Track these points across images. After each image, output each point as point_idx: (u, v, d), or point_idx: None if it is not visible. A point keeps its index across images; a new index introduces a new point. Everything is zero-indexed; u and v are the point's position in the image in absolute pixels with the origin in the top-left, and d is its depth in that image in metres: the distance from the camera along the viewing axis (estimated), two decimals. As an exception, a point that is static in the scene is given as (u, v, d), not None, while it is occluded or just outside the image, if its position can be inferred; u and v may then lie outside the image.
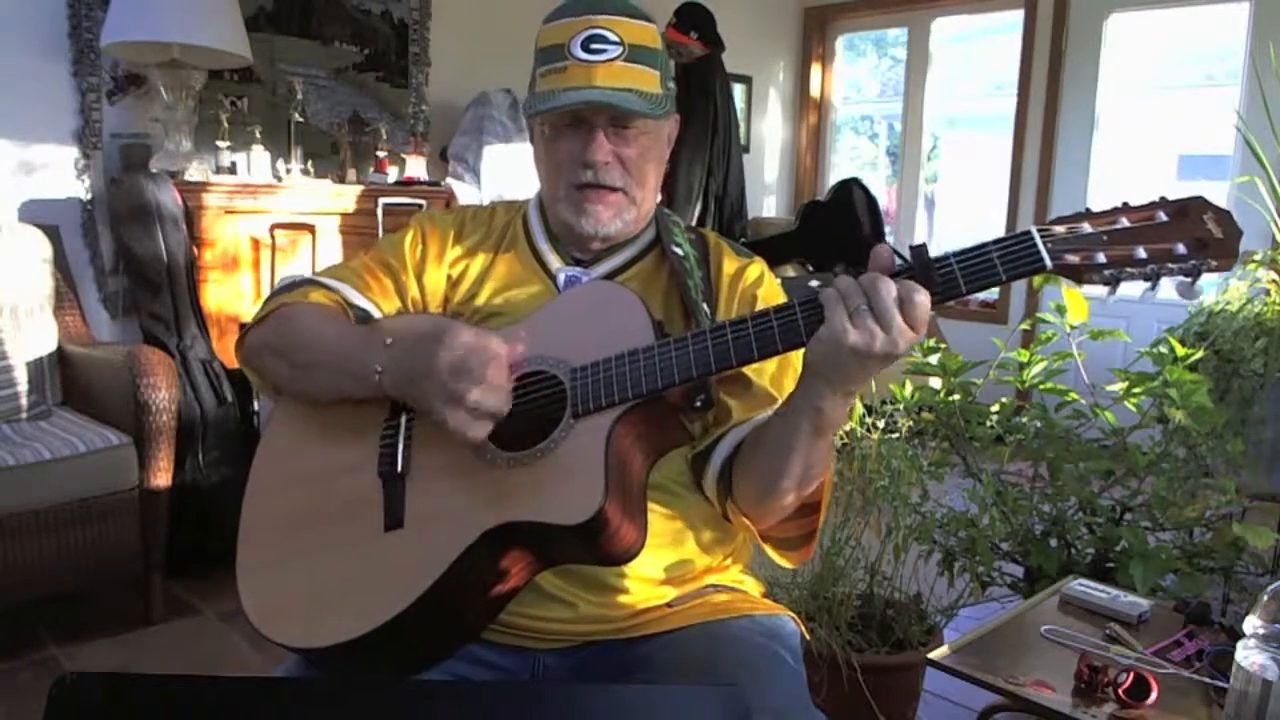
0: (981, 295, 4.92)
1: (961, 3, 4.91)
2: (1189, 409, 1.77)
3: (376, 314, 1.16)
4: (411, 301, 1.18)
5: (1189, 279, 0.84)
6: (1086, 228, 0.85)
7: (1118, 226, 0.85)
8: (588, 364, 0.97)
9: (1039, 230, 0.85)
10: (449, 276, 1.19)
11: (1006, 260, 0.85)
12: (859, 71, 5.70)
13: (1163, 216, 0.85)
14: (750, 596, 1.13)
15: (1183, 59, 4.44)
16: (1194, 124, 4.28)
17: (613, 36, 1.08)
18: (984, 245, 0.86)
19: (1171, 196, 0.86)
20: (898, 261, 0.89)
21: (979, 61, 5.38)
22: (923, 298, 0.84)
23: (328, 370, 1.05)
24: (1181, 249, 0.83)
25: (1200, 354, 1.97)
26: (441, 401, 0.92)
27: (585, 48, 1.07)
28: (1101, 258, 0.84)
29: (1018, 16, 4.58)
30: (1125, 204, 0.87)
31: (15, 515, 2.13)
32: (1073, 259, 0.84)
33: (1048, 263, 0.84)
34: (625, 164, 1.12)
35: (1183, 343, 1.96)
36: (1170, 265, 0.83)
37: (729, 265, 1.18)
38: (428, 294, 1.19)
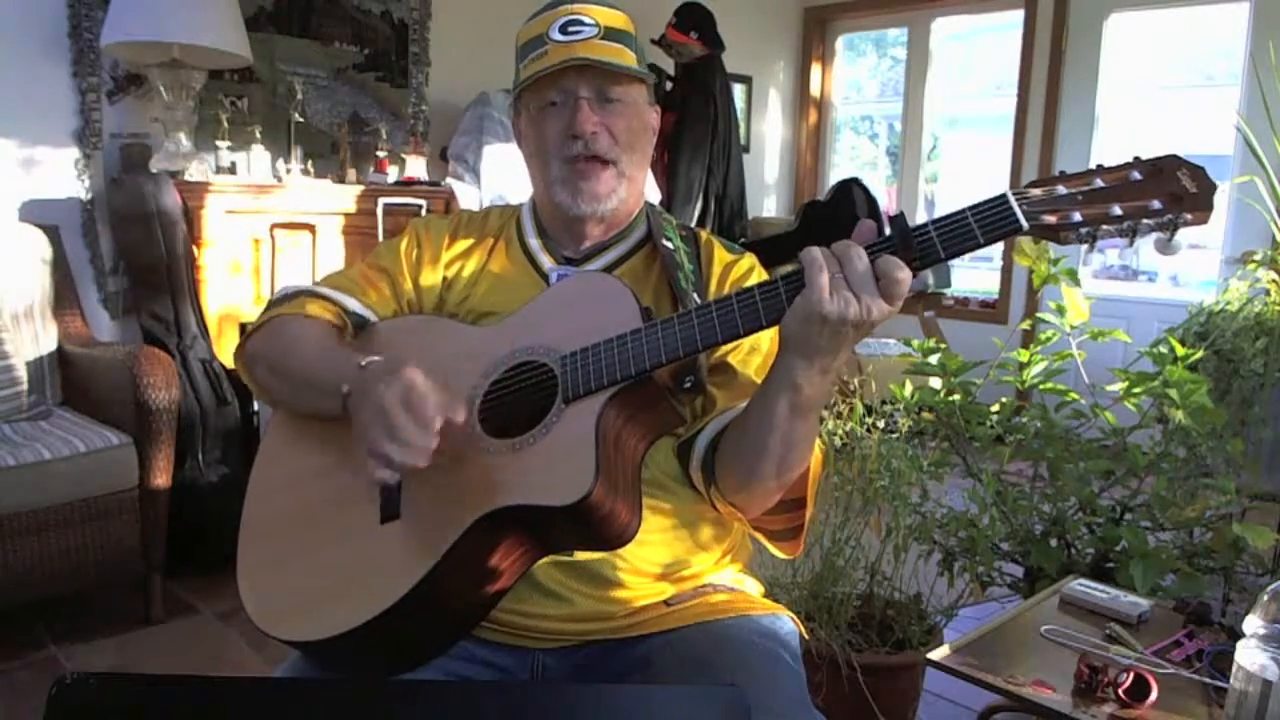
0: (981, 295, 4.92)
1: (961, 3, 4.91)
2: (1189, 409, 1.77)
3: (374, 319, 1.17)
4: (408, 304, 1.20)
5: (1166, 234, 0.85)
6: (1061, 189, 0.86)
7: (1093, 186, 0.86)
8: (577, 350, 0.98)
9: (1014, 193, 0.86)
10: (444, 278, 1.21)
11: (983, 223, 0.85)
12: (859, 71, 5.70)
13: (1137, 175, 0.86)
14: (749, 596, 1.13)
15: (1183, 59, 4.44)
16: (1194, 124, 4.28)
17: (588, 20, 1.13)
18: (960, 211, 0.87)
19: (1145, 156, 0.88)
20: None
21: (979, 61, 5.38)
22: (904, 275, 0.85)
23: (309, 386, 1.07)
24: (1157, 204, 0.84)
25: (1200, 354, 1.97)
26: (361, 437, 0.93)
27: (563, 30, 1.12)
28: (1077, 216, 0.85)
29: (1018, 16, 4.58)
30: (1100, 166, 0.88)
31: (15, 515, 2.13)
32: (1049, 219, 0.85)
33: (1024, 224, 0.85)
34: (613, 134, 1.13)
35: (1183, 343, 1.96)
36: (1146, 221, 0.85)
37: (720, 259, 1.20)
38: (424, 296, 1.20)
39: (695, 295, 1.11)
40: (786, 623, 1.10)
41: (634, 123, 1.16)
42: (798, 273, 0.89)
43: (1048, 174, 4.45)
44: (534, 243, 1.21)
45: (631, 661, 1.03)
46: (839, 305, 0.85)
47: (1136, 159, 0.87)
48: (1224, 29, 4.13)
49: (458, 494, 0.96)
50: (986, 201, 0.86)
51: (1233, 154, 3.91)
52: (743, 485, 1.02)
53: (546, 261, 1.19)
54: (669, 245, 1.16)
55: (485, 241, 1.23)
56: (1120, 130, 4.38)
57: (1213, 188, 0.85)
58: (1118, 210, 0.85)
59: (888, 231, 0.88)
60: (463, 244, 1.22)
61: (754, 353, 1.11)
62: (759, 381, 1.06)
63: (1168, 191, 0.84)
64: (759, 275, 1.20)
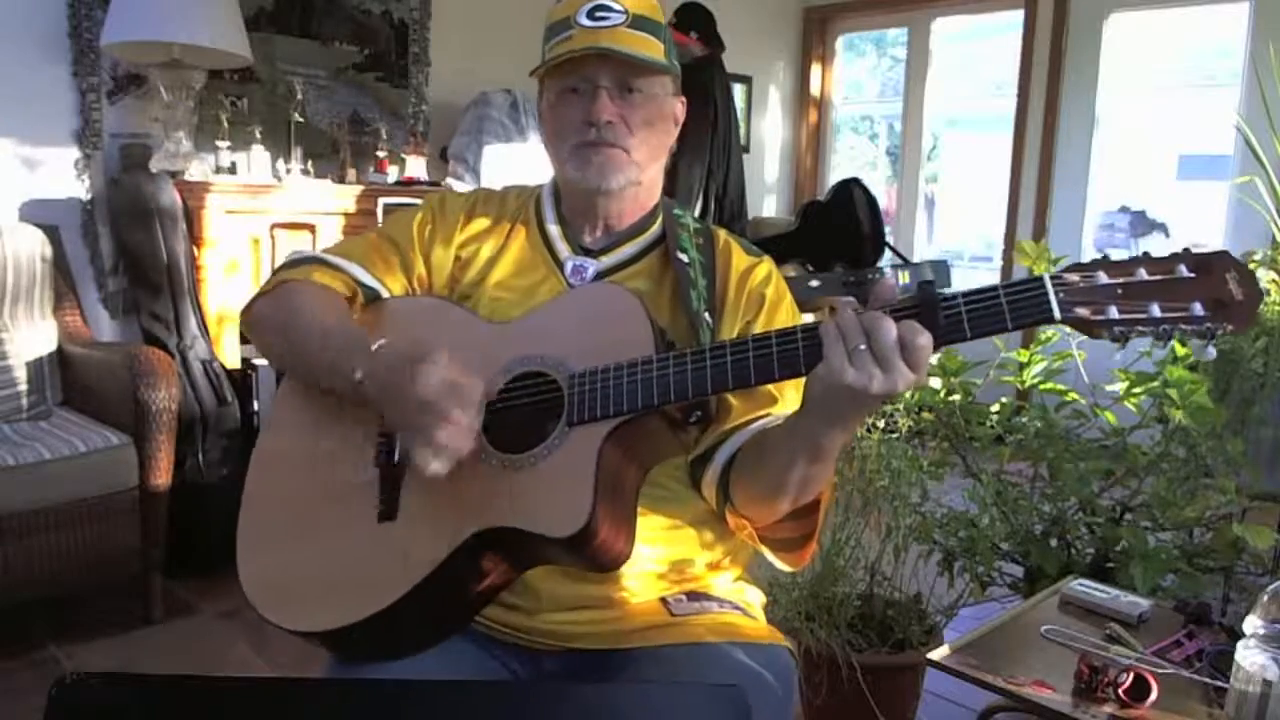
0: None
1: (961, 3, 4.91)
2: (1189, 409, 1.77)
3: (385, 293, 1.16)
4: (418, 280, 1.18)
5: (1202, 341, 0.81)
6: (1102, 278, 0.82)
7: (1135, 279, 0.81)
8: (586, 371, 0.97)
9: (1052, 279, 0.82)
10: (458, 258, 1.19)
11: (1015, 307, 0.82)
12: (859, 71, 5.69)
13: (1184, 270, 0.81)
14: (746, 624, 1.10)
15: (1183, 59, 4.43)
16: (1194, 124, 4.27)
17: (617, 6, 1.11)
18: (994, 288, 0.83)
19: (1196, 249, 0.82)
20: (901, 289, 0.88)
21: (979, 61, 5.38)
22: (925, 340, 0.81)
23: (315, 360, 1.06)
24: (1199, 309, 0.79)
25: (1200, 354, 1.96)
26: (408, 432, 0.93)
27: (590, 16, 1.10)
28: (1114, 312, 0.81)
29: (1018, 16, 4.58)
30: (1146, 254, 0.83)
31: (15, 515, 2.13)
32: (1083, 312, 0.81)
33: (1057, 314, 0.81)
34: (629, 125, 1.12)
35: (1182, 343, 1.95)
36: (1184, 326, 0.80)
37: (737, 264, 1.18)
38: (434, 274, 1.18)
39: (707, 315, 1.09)
40: (783, 654, 1.09)
41: (653, 114, 1.14)
42: (815, 330, 0.87)
43: (1047, 174, 4.41)
44: (553, 230, 1.19)
45: (624, 671, 1.02)
46: (862, 378, 0.82)
47: (1186, 250, 0.82)
48: (1224, 29, 4.13)
49: (455, 504, 0.95)
50: (1022, 282, 0.83)
51: (1233, 154, 3.91)
52: (759, 509, 1.03)
53: (564, 250, 1.17)
54: (683, 259, 1.14)
55: (502, 223, 1.20)
56: (1120, 130, 4.37)
57: (1259, 297, 0.80)
58: (1156, 311, 0.80)
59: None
60: (479, 224, 1.20)
61: None
62: (775, 393, 1.06)
63: (1212, 296, 0.79)
64: (776, 281, 1.18)
